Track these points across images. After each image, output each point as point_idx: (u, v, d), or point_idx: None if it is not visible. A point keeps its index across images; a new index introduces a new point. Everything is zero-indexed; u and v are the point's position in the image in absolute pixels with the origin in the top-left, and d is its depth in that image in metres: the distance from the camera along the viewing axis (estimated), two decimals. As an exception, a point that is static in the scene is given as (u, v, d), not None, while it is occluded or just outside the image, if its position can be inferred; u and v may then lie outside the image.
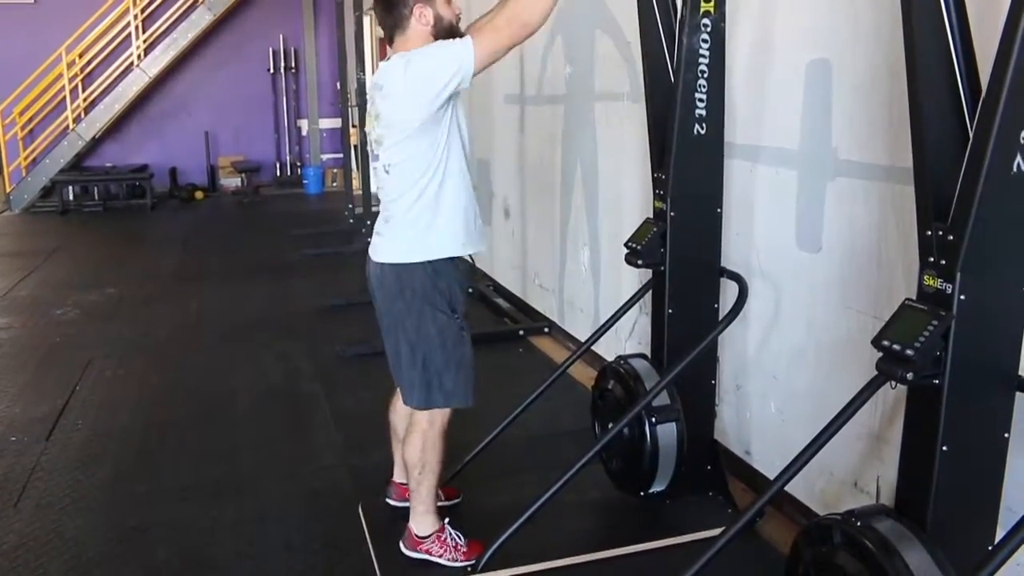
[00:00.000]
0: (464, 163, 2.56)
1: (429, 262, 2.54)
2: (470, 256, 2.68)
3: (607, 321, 3.18)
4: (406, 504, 2.80)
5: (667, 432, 2.87)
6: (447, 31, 2.49)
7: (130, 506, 3.17)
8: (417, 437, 2.64)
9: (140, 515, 3.10)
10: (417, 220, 2.52)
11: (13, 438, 3.78)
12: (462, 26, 2.55)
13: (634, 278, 3.68)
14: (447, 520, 2.75)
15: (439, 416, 2.64)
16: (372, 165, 2.62)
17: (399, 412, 2.89)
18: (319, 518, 3.06)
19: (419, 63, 2.40)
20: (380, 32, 10.65)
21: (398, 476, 3.03)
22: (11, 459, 3.56)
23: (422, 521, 2.70)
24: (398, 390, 2.80)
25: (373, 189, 8.97)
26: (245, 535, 2.97)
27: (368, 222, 7.72)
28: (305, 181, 12.16)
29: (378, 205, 2.69)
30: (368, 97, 2.60)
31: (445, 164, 2.50)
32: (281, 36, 12.22)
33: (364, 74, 8.68)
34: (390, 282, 2.58)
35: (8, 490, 3.28)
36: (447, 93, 2.39)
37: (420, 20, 2.47)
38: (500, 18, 2.40)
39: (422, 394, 2.62)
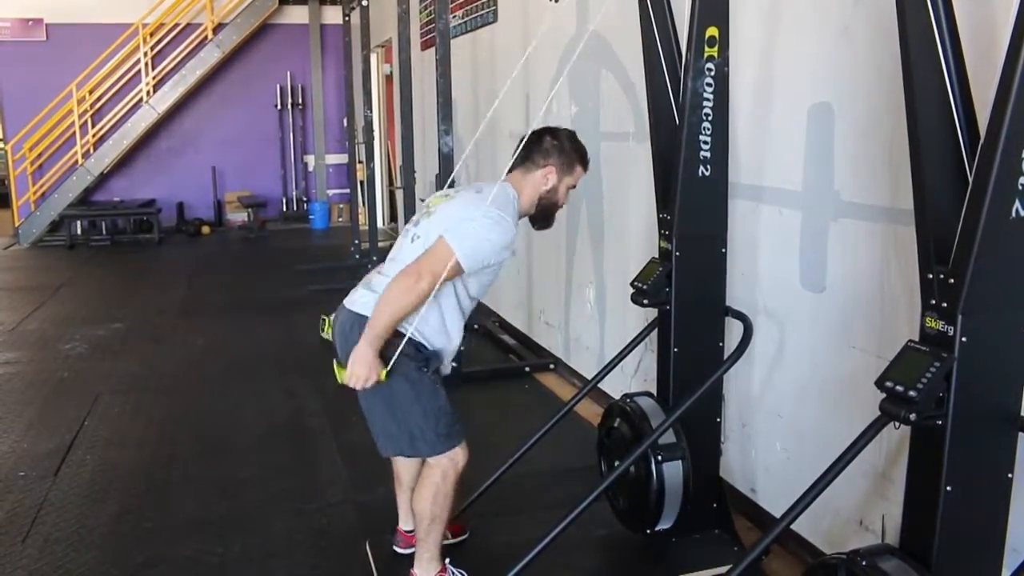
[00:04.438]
0: (463, 303, 2.63)
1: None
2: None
3: (613, 359, 3.19)
4: (413, 550, 2.79)
5: (673, 470, 2.88)
6: (549, 205, 2.69)
7: (137, 542, 3.18)
8: (429, 490, 2.60)
9: (147, 551, 3.11)
10: None
11: (21, 473, 3.80)
12: None
13: (640, 315, 3.71)
14: (448, 560, 2.76)
15: (451, 470, 2.60)
16: (405, 227, 2.68)
17: (404, 459, 2.89)
18: (326, 555, 3.07)
19: (489, 222, 2.47)
20: (387, 70, 10.58)
21: (403, 524, 3.02)
22: (19, 494, 3.57)
23: (427, 567, 2.70)
24: None
25: (379, 224, 8.83)
26: (252, 571, 2.98)
27: (375, 257, 7.77)
28: (311, 216, 12.25)
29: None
30: (454, 185, 2.71)
31: (455, 283, 2.56)
32: (288, 73, 12.36)
33: (371, 111, 8.77)
34: (355, 342, 2.51)
35: (17, 525, 3.29)
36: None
37: (544, 177, 2.65)
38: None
39: (407, 445, 2.62)
